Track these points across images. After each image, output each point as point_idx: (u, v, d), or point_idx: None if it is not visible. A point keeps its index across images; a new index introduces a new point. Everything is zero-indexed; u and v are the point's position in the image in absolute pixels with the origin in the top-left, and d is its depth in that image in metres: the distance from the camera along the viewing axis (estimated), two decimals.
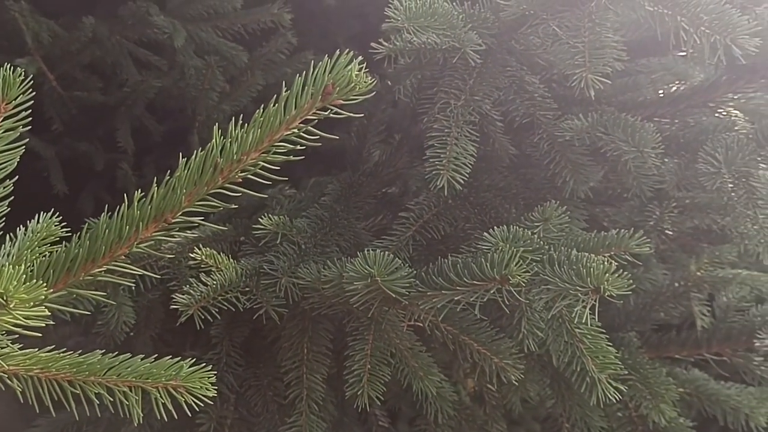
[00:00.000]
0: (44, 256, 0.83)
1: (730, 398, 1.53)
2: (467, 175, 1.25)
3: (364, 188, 1.53)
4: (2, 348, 0.81)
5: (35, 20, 1.98)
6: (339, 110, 0.80)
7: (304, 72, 0.79)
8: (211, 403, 1.25)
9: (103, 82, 2.11)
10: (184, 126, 2.05)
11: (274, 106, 0.78)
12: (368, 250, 1.14)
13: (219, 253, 1.30)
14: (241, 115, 0.83)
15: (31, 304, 0.73)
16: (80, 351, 0.87)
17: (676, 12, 1.16)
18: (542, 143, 1.38)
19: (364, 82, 0.78)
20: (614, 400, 1.19)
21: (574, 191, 1.35)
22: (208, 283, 1.24)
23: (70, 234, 0.87)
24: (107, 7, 2.06)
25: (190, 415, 0.88)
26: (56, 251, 0.81)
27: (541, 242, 1.15)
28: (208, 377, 0.85)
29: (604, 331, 1.21)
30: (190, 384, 0.84)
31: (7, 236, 0.89)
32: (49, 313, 0.76)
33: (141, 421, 0.85)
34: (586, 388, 1.19)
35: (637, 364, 1.46)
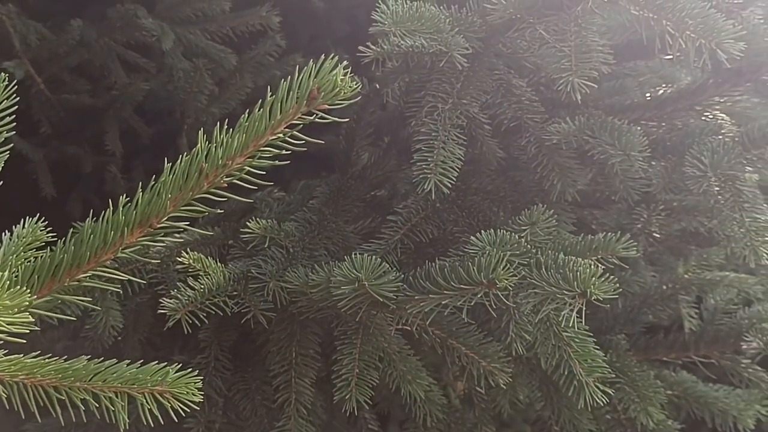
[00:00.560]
0: (29, 261, 0.82)
1: (718, 400, 1.53)
2: (455, 179, 1.25)
3: (353, 191, 1.53)
4: None
5: (23, 23, 1.97)
6: (324, 115, 0.80)
7: (289, 77, 0.79)
8: (198, 408, 1.25)
9: (91, 85, 2.10)
10: (172, 129, 2.04)
11: (259, 111, 0.78)
12: (356, 254, 1.14)
13: (207, 257, 1.29)
14: (230, 118, 0.83)
15: (15, 310, 0.72)
16: (68, 356, 0.87)
17: (661, 16, 1.16)
18: (530, 146, 1.38)
19: (350, 86, 0.78)
20: (602, 403, 1.19)
21: (561, 194, 1.35)
22: (196, 288, 1.23)
23: (56, 239, 0.86)
24: (95, 9, 2.06)
25: (176, 420, 0.88)
26: (41, 256, 0.80)
27: (529, 246, 1.15)
28: (195, 382, 0.85)
29: (591, 334, 1.21)
30: (177, 389, 0.84)
31: None
32: (33, 319, 0.75)
33: (127, 427, 0.85)
34: (574, 391, 1.20)
35: (625, 367, 1.46)
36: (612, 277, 1.06)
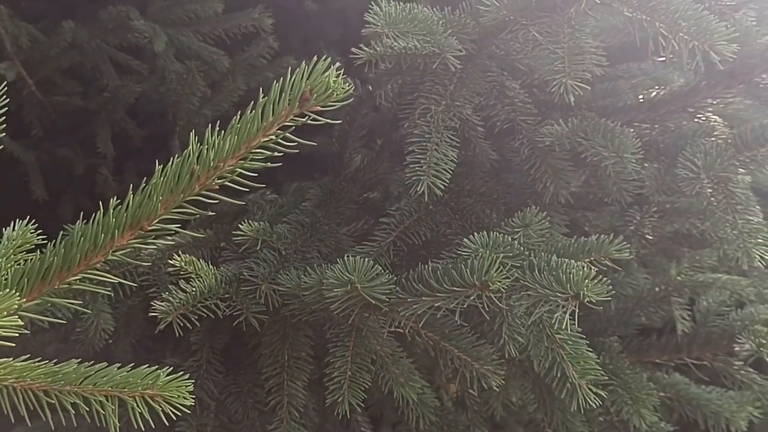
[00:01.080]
0: (19, 264, 0.82)
1: (711, 402, 1.53)
2: (448, 181, 1.25)
3: (346, 193, 1.53)
4: None
5: (14, 25, 1.96)
6: (317, 117, 0.80)
7: (282, 78, 0.79)
8: (189, 411, 1.24)
9: (83, 87, 2.10)
10: (164, 131, 2.04)
11: (251, 112, 0.78)
12: (348, 257, 1.14)
13: (199, 260, 1.29)
14: (223, 120, 0.82)
15: (5, 313, 0.72)
16: (59, 359, 0.86)
17: (654, 18, 1.16)
18: (523, 148, 1.38)
19: (342, 88, 0.78)
20: (595, 406, 1.19)
21: (554, 196, 1.35)
22: (188, 290, 1.23)
23: (47, 241, 0.86)
24: (87, 11, 2.05)
25: (167, 423, 0.88)
26: (31, 259, 0.80)
27: (522, 248, 1.15)
28: (186, 386, 0.84)
29: (584, 336, 1.21)
30: (168, 393, 0.83)
31: None
32: (23, 323, 0.75)
33: (118, 430, 0.85)
34: (566, 393, 1.19)
35: (618, 369, 1.46)
36: (605, 279, 1.05)
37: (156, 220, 0.78)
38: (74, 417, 0.86)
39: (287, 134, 0.79)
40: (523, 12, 1.26)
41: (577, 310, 1.06)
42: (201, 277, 1.26)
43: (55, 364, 0.84)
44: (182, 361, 1.43)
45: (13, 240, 0.88)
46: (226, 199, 0.81)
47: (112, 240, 0.77)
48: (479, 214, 1.40)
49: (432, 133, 1.27)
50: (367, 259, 1.15)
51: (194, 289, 1.23)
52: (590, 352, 1.20)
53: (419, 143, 1.26)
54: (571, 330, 1.18)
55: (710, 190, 1.28)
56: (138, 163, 2.10)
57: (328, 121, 0.80)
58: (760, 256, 1.27)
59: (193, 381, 1.37)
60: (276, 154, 0.80)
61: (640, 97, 1.54)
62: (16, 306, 0.72)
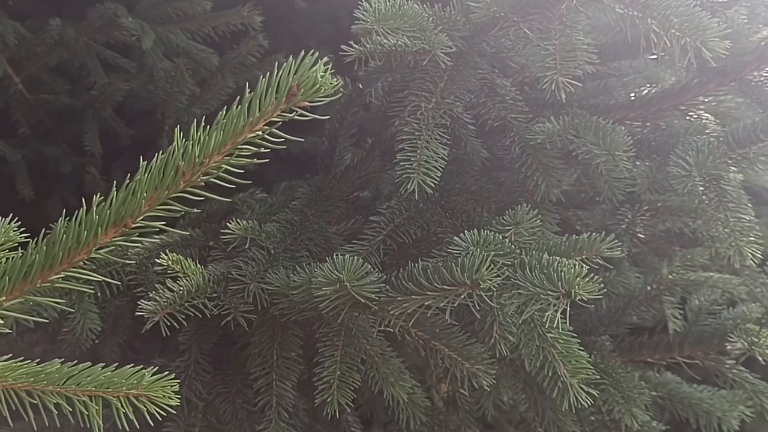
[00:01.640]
0: (0, 262, 0.80)
1: (703, 401, 1.53)
2: (438, 179, 1.24)
3: (335, 192, 1.52)
4: None
5: (1, 22, 1.94)
6: (304, 112, 0.78)
7: (269, 73, 0.78)
8: (176, 412, 1.23)
9: (70, 85, 2.08)
10: (153, 129, 2.02)
11: (237, 108, 0.76)
12: (337, 255, 1.13)
13: (186, 259, 1.27)
14: (211, 118, 0.81)
15: None
16: (46, 359, 0.85)
17: (646, 14, 1.15)
18: (514, 146, 1.37)
19: (330, 83, 0.77)
20: (587, 405, 1.18)
21: (545, 194, 1.34)
22: (175, 289, 1.22)
23: (29, 240, 0.84)
24: (75, 9, 2.03)
25: (153, 424, 0.86)
26: (12, 257, 0.78)
27: (513, 246, 1.14)
28: (171, 386, 0.83)
29: (576, 335, 1.20)
30: (153, 393, 0.82)
31: None
32: (3, 321, 0.73)
33: (102, 431, 0.83)
34: (558, 392, 1.19)
35: (610, 368, 1.45)
36: (596, 277, 1.05)
37: (140, 218, 0.77)
38: (57, 418, 0.84)
39: (274, 130, 0.77)
40: (514, 8, 1.25)
41: (568, 309, 1.05)
42: (188, 276, 1.24)
43: (38, 363, 0.83)
44: (170, 361, 1.42)
45: None
46: (211, 196, 0.80)
47: (95, 237, 0.75)
48: (470, 213, 1.39)
49: (422, 131, 1.25)
50: (356, 257, 1.14)
51: (181, 288, 1.22)
52: (582, 351, 1.19)
53: (409, 141, 1.25)
54: (562, 329, 1.18)
55: (702, 188, 1.27)
56: (126, 161, 2.09)
57: (316, 116, 0.79)
58: (751, 254, 1.26)
59: (181, 381, 1.37)
60: (263, 150, 0.79)
61: (632, 94, 1.53)
62: None
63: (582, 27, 1.23)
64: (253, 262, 1.29)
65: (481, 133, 1.41)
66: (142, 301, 1.21)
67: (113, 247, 0.80)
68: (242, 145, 0.77)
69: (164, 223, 0.81)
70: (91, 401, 0.82)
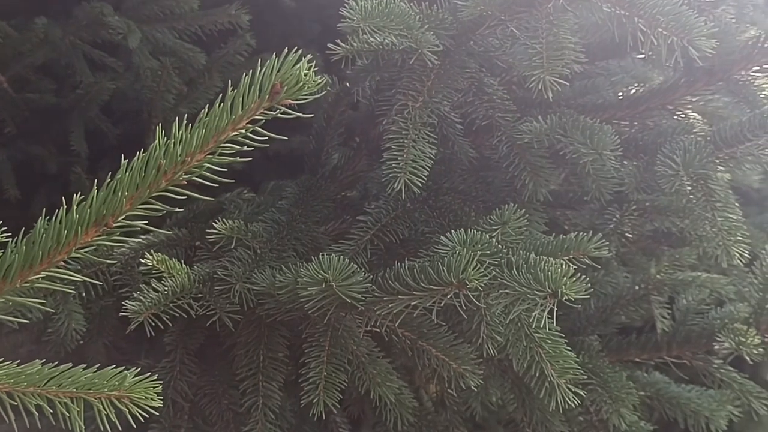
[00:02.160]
0: None
1: (691, 401, 1.53)
2: (426, 178, 1.23)
3: (323, 192, 1.51)
4: None
5: None
6: (288, 110, 0.77)
7: (252, 71, 0.77)
8: (161, 413, 1.22)
9: (56, 84, 2.06)
10: (140, 128, 2.00)
11: (220, 105, 0.76)
12: (323, 255, 1.12)
13: (171, 259, 1.26)
14: (193, 117, 0.80)
15: None
16: (27, 361, 0.84)
17: (633, 13, 1.15)
18: (501, 146, 1.36)
19: (314, 81, 0.76)
20: (574, 405, 1.18)
21: (533, 194, 1.34)
22: (160, 290, 1.21)
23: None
24: (60, 7, 2.02)
25: (135, 425, 0.85)
26: None
27: (500, 246, 1.13)
28: (154, 387, 0.82)
29: (563, 335, 1.20)
30: (135, 394, 0.81)
31: None
32: None
33: None
34: (545, 392, 1.18)
35: (598, 368, 1.45)
36: (584, 277, 1.04)
37: (122, 217, 0.76)
38: (39, 420, 0.83)
39: (257, 128, 0.77)
40: (502, 7, 1.24)
41: (555, 309, 1.04)
42: (173, 277, 1.23)
43: (19, 364, 0.82)
44: (156, 362, 1.41)
45: None
46: (195, 195, 0.79)
47: (75, 237, 0.75)
48: (457, 212, 1.38)
49: (409, 130, 1.25)
50: (342, 257, 1.13)
51: (166, 288, 1.21)
52: (569, 351, 1.18)
53: (396, 140, 1.24)
54: (549, 329, 1.17)
55: (689, 188, 1.27)
56: (113, 161, 2.05)
57: (300, 114, 0.78)
58: (739, 253, 1.26)
59: (167, 382, 1.36)
60: (246, 148, 0.78)
61: (620, 94, 1.53)
62: None
63: (569, 26, 1.23)
64: (239, 262, 1.29)
65: (468, 132, 1.41)
66: (127, 301, 1.20)
67: (95, 247, 0.79)
68: (225, 143, 0.77)
69: (148, 222, 0.81)
70: (73, 403, 0.81)
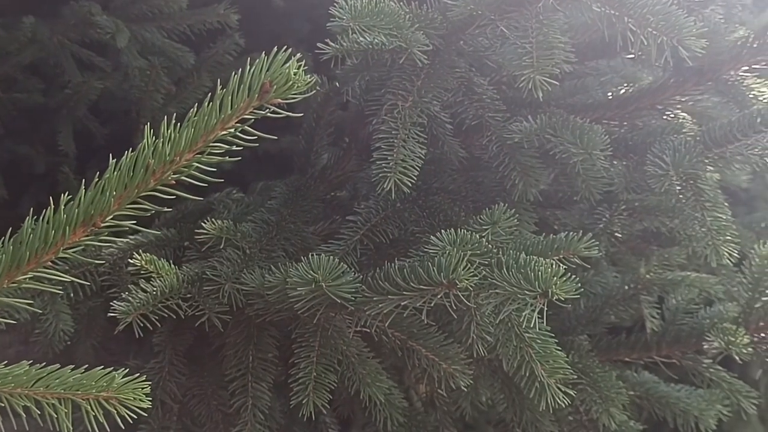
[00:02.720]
0: None
1: (680, 401, 1.53)
2: (416, 178, 1.23)
3: (313, 191, 1.51)
4: None
5: None
6: (278, 109, 0.77)
7: (241, 70, 0.76)
8: (150, 414, 1.21)
9: (44, 84, 2.05)
10: (128, 128, 1.99)
11: (209, 105, 0.75)
12: (313, 255, 1.12)
13: (160, 259, 1.26)
14: (182, 117, 0.79)
15: None
16: (15, 362, 0.83)
17: (623, 13, 1.15)
18: (491, 145, 1.36)
19: (303, 80, 0.76)
20: (564, 405, 1.18)
21: (523, 194, 1.34)
22: (148, 290, 1.20)
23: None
24: (48, 6, 2.00)
25: (123, 427, 0.85)
26: None
27: (490, 246, 1.13)
28: (142, 388, 0.81)
29: (553, 335, 1.19)
30: (123, 395, 0.81)
31: None
32: None
33: None
34: (535, 392, 1.18)
35: (587, 368, 1.45)
36: (574, 277, 1.04)
37: (110, 217, 0.75)
38: (26, 421, 0.83)
39: (246, 128, 0.76)
40: (491, 7, 1.24)
41: (545, 309, 1.04)
42: (162, 277, 1.23)
43: (6, 365, 0.81)
44: (145, 362, 1.40)
45: None
46: (183, 195, 0.79)
47: (63, 237, 0.74)
48: (447, 212, 1.38)
49: (399, 130, 1.25)
50: (332, 257, 1.13)
51: (155, 288, 1.20)
52: (559, 350, 1.18)
53: (386, 140, 1.24)
54: (539, 328, 1.17)
55: (679, 188, 1.27)
56: (101, 161, 2.04)
57: (290, 114, 0.78)
58: (728, 253, 1.26)
59: (156, 383, 1.36)
60: (235, 148, 0.78)
61: (610, 94, 1.53)
62: None
63: (559, 25, 1.23)
64: (228, 263, 1.28)
65: (458, 132, 1.41)
66: (115, 302, 1.19)
67: (82, 247, 0.78)
68: (214, 142, 0.76)
69: (137, 222, 0.80)
70: (61, 404, 0.80)
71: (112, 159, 0.77)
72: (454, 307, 1.08)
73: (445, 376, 1.27)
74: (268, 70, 0.76)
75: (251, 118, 0.76)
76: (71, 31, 1.97)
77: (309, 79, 0.77)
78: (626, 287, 1.62)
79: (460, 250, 1.08)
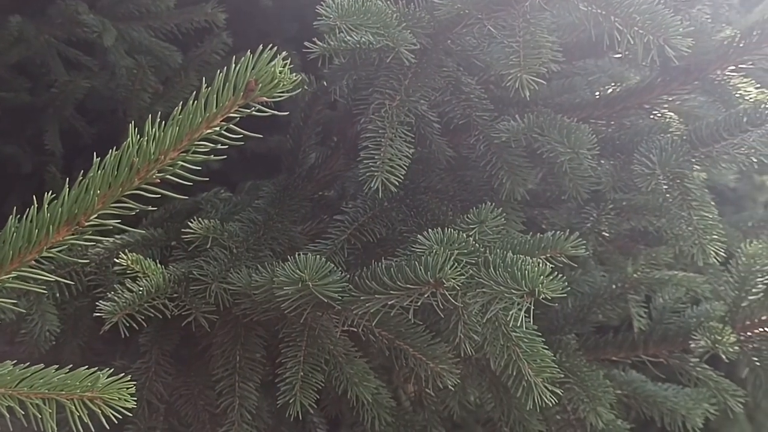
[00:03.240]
0: None
1: (667, 400, 1.53)
2: (403, 177, 1.23)
3: (300, 191, 1.50)
4: None
5: None
6: (263, 108, 0.77)
7: (226, 68, 0.76)
8: (137, 414, 1.20)
9: (30, 83, 2.03)
10: (115, 128, 1.99)
11: (194, 103, 0.75)
12: (300, 254, 1.11)
13: (146, 259, 1.25)
14: (168, 116, 0.79)
15: None
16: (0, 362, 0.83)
17: (609, 12, 1.15)
18: (479, 145, 1.36)
19: (289, 78, 0.75)
20: (551, 404, 1.18)
21: (510, 193, 1.34)
22: (134, 290, 1.19)
23: None
24: (35, 5, 1.99)
25: (108, 427, 0.84)
26: None
27: (477, 245, 1.13)
28: (127, 388, 0.81)
29: (540, 334, 1.19)
30: (108, 395, 0.80)
31: None
32: None
33: None
34: (523, 391, 1.18)
35: (575, 367, 1.45)
36: (561, 276, 1.04)
37: (94, 216, 0.75)
38: (10, 422, 0.82)
39: (232, 126, 0.76)
40: (479, 6, 1.24)
41: (533, 308, 1.04)
42: (148, 276, 1.22)
43: None
44: (131, 362, 1.39)
45: None
46: (169, 194, 0.78)
47: (46, 236, 0.73)
48: (435, 211, 1.38)
49: (386, 129, 1.24)
50: (319, 256, 1.13)
51: (141, 288, 1.20)
52: (546, 349, 1.18)
53: (373, 139, 1.24)
54: (527, 327, 1.17)
55: (666, 187, 1.27)
56: (88, 160, 2.03)
57: (275, 112, 0.78)
58: (714, 252, 1.27)
59: (142, 383, 1.35)
60: (221, 146, 0.77)
61: (597, 93, 1.54)
62: None
63: (546, 25, 1.23)
64: (215, 262, 1.28)
65: (446, 131, 1.41)
66: (101, 302, 1.18)
67: (67, 246, 0.78)
68: (199, 141, 0.76)
69: (123, 222, 0.80)
70: (45, 404, 0.80)
71: (96, 157, 0.77)
72: (442, 307, 1.08)
73: (432, 375, 1.27)
74: (253, 69, 0.75)
75: (237, 117, 0.75)
76: (58, 29, 1.96)
77: (295, 78, 0.77)
78: (613, 286, 1.62)
79: (447, 249, 1.08)
